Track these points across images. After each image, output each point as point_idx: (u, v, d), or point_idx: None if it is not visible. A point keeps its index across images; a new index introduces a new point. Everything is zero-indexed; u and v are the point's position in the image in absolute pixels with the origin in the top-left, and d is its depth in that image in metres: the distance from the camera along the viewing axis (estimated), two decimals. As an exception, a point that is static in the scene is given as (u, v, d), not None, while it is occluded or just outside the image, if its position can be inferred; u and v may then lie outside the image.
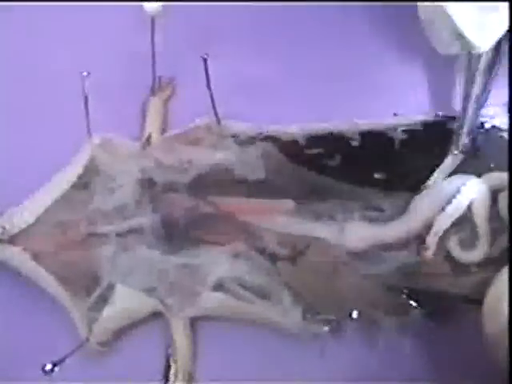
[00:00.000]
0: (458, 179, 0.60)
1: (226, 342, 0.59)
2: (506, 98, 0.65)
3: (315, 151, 0.62)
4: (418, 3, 0.59)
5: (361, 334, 0.58)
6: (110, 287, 0.57)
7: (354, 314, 0.56)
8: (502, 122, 0.65)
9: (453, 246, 0.59)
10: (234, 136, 0.62)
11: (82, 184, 0.60)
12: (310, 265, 0.58)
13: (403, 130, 0.63)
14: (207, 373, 0.58)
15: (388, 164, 0.62)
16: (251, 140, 0.62)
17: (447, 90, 0.65)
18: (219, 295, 0.57)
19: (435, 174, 0.60)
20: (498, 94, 0.65)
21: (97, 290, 0.57)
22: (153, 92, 0.65)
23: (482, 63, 0.60)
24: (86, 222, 0.59)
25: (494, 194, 0.60)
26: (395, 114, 0.64)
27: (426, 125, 0.64)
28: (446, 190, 0.59)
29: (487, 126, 0.64)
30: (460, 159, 0.61)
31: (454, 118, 0.64)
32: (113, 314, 0.57)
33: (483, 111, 0.64)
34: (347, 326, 0.57)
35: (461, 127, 0.61)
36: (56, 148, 0.62)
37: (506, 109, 0.65)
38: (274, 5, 0.66)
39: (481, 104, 0.61)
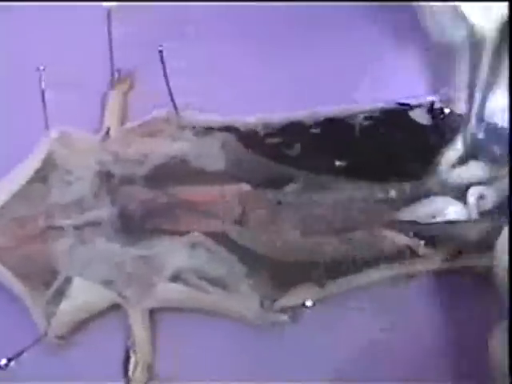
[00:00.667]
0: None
1: (186, 332, 0.58)
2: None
3: (275, 140, 0.62)
4: None
5: (321, 321, 0.58)
6: (68, 280, 0.57)
7: (308, 302, 0.56)
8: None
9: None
10: (193, 127, 0.62)
11: (40, 178, 0.60)
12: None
13: (364, 117, 0.63)
14: (167, 364, 0.58)
15: (349, 151, 0.62)
16: (210, 131, 0.62)
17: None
18: (176, 286, 0.57)
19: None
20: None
21: (55, 284, 0.57)
22: (112, 85, 0.65)
23: (488, 47, 0.59)
24: (44, 216, 0.59)
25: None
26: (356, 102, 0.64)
27: (387, 112, 0.64)
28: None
29: (446, 110, 0.64)
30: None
31: (410, 106, 0.65)
32: (70, 307, 0.57)
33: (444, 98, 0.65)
34: (306, 313, 0.57)
35: (468, 116, 0.60)
36: (13, 143, 0.62)
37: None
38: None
39: (489, 90, 0.60)
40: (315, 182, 0.61)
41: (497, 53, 0.59)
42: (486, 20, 0.56)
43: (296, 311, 0.57)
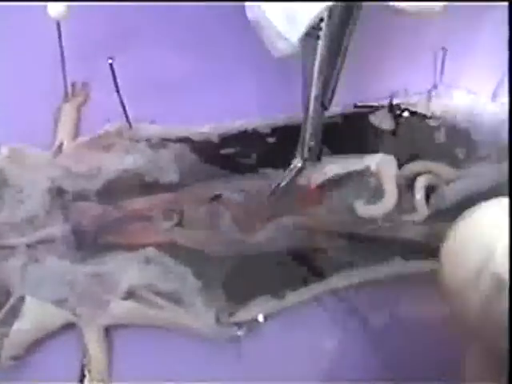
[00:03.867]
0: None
1: (141, 348, 0.58)
2: (429, 86, 0.65)
3: (230, 151, 0.62)
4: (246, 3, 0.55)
5: (278, 334, 0.58)
6: (21, 300, 0.57)
7: (260, 318, 0.56)
8: (424, 109, 0.64)
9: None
10: (147, 140, 0.62)
11: (-10, 197, 0.59)
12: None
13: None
14: (123, 381, 0.57)
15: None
16: (164, 142, 0.62)
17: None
18: (129, 303, 0.56)
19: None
20: (422, 82, 0.65)
21: (7, 304, 0.57)
22: (66, 98, 0.64)
23: (318, 60, 0.55)
24: (-5, 235, 0.58)
25: (413, 178, 0.61)
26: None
27: (345, 117, 0.63)
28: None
29: (405, 114, 0.63)
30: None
31: (372, 107, 0.64)
32: (24, 327, 0.56)
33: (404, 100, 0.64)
34: (262, 327, 0.57)
35: (305, 129, 0.58)
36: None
37: (428, 96, 0.65)
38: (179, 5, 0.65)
39: (324, 105, 0.57)
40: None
41: (328, 68, 0.56)
42: (292, 28, 0.54)
43: (252, 325, 0.56)
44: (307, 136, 0.58)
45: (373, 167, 0.60)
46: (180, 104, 0.64)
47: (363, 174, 0.61)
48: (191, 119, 0.63)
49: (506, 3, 0.60)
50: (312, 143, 0.58)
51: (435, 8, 0.52)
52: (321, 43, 0.55)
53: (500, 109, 0.64)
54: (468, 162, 0.62)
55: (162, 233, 0.59)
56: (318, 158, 0.59)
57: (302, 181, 0.59)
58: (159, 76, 0.65)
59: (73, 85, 0.64)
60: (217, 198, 0.60)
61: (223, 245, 0.58)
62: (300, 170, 0.58)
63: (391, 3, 0.52)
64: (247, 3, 0.55)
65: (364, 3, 0.55)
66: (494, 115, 0.64)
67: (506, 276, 0.42)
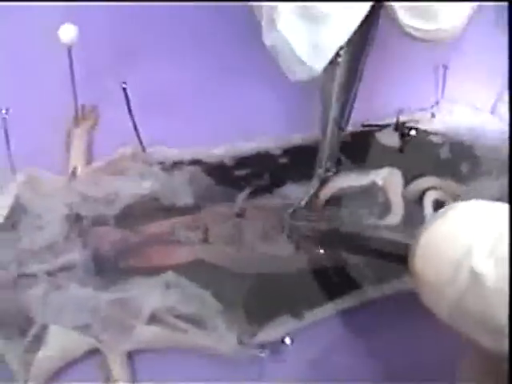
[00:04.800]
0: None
1: (165, 371, 0.58)
2: (432, 103, 0.66)
3: (243, 172, 0.62)
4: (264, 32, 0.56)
5: (300, 354, 0.58)
6: (44, 328, 0.57)
7: (287, 341, 0.57)
8: (429, 127, 0.65)
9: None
10: (160, 163, 0.62)
11: (10, 225, 0.59)
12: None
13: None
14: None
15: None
16: (178, 165, 0.62)
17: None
18: (153, 328, 0.57)
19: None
20: (424, 98, 0.66)
21: (30, 332, 0.57)
22: (76, 122, 0.64)
23: (336, 84, 0.57)
24: (15, 263, 0.58)
25: (422, 193, 0.62)
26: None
27: (353, 135, 0.64)
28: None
29: (412, 133, 0.65)
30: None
31: (379, 126, 0.65)
32: (48, 354, 0.56)
33: (408, 118, 0.65)
34: (284, 349, 0.58)
35: (322, 152, 0.60)
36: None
37: (431, 112, 0.66)
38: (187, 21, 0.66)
39: (341, 127, 0.59)
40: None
41: (345, 90, 0.58)
42: (318, 57, 0.55)
43: (276, 346, 0.57)
44: (325, 157, 0.59)
45: (379, 182, 0.62)
46: (191, 124, 0.64)
47: (371, 189, 0.62)
48: (202, 139, 0.63)
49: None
50: (329, 164, 0.59)
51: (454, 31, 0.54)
52: (340, 68, 0.56)
53: (500, 124, 0.66)
54: (472, 177, 0.64)
55: (186, 252, 0.59)
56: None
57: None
58: (169, 96, 0.65)
59: (82, 108, 0.64)
60: (241, 214, 0.60)
61: (248, 260, 0.59)
62: (318, 191, 0.60)
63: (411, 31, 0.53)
64: (265, 30, 0.55)
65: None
66: (496, 131, 0.65)
67: (484, 271, 0.43)
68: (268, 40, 0.56)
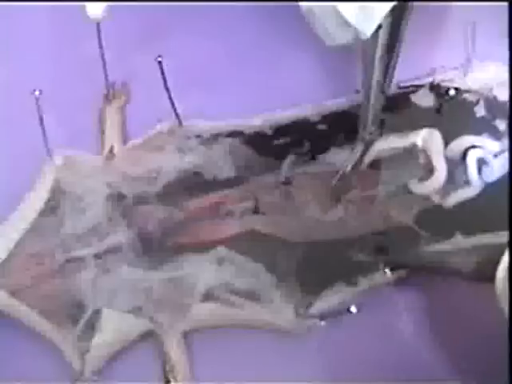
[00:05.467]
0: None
1: (222, 349, 0.57)
2: (463, 61, 0.65)
3: (282, 141, 0.61)
4: None
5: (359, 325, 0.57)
6: (96, 313, 0.55)
7: (353, 309, 0.55)
8: (462, 85, 0.64)
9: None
10: (198, 136, 0.60)
11: (50, 209, 0.57)
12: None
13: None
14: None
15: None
16: (216, 138, 0.60)
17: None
18: (209, 305, 0.56)
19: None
20: (453, 55, 0.65)
21: (83, 318, 0.55)
22: (107, 100, 0.62)
23: (380, 47, 0.57)
24: (60, 249, 0.56)
25: (464, 153, 0.61)
26: (357, 91, 0.63)
27: (390, 98, 0.63)
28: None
29: (451, 92, 0.63)
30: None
31: (415, 87, 0.64)
32: (103, 340, 0.55)
33: (440, 77, 0.64)
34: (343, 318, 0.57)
35: (365, 115, 0.59)
36: (15, 175, 0.59)
37: (463, 70, 0.65)
38: None
39: (384, 90, 0.59)
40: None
41: (388, 52, 0.57)
42: (367, 21, 0.55)
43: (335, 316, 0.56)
44: (369, 121, 0.58)
45: (419, 143, 0.61)
46: (227, 96, 0.63)
47: (411, 151, 0.61)
48: (240, 111, 0.61)
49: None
50: (373, 128, 0.58)
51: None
52: (383, 31, 0.55)
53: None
54: (509, 133, 0.63)
55: (236, 224, 0.58)
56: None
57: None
58: (202, 70, 0.63)
59: (112, 85, 0.62)
60: (288, 182, 0.59)
61: (300, 227, 0.58)
62: (362, 155, 0.58)
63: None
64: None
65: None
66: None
67: None
68: (306, 5, 0.54)
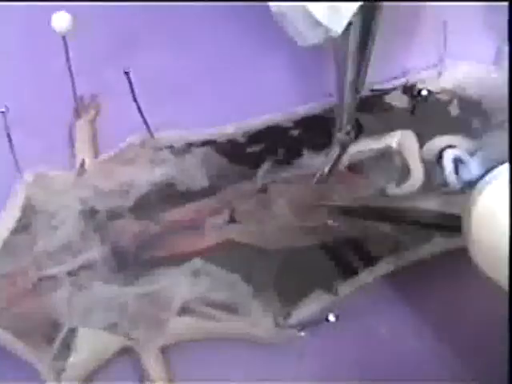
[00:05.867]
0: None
1: (201, 363, 0.56)
2: (436, 61, 0.64)
3: (256, 148, 0.60)
4: None
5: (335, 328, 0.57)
6: (72, 332, 0.54)
7: (331, 317, 0.55)
8: (436, 85, 0.64)
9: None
10: (170, 147, 0.60)
11: (22, 227, 0.56)
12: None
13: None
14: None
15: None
16: (189, 148, 0.60)
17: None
18: (186, 319, 0.55)
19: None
20: (428, 57, 0.65)
21: (58, 337, 0.54)
22: (77, 114, 0.61)
23: (351, 46, 0.56)
24: (34, 267, 0.55)
25: (440, 153, 0.61)
26: (330, 95, 0.62)
27: (364, 100, 0.62)
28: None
29: (424, 93, 0.63)
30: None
31: (388, 90, 0.63)
32: (79, 359, 0.54)
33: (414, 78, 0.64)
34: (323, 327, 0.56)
35: (340, 115, 0.58)
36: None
37: (437, 70, 0.64)
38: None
39: (357, 89, 0.58)
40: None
41: (360, 52, 0.57)
42: (336, 19, 0.54)
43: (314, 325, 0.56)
44: (344, 121, 0.57)
45: (394, 145, 0.60)
46: (198, 106, 0.62)
47: (386, 153, 0.60)
48: (212, 120, 0.61)
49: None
50: (348, 128, 0.57)
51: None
52: (354, 29, 0.55)
53: (504, 75, 0.65)
54: (484, 131, 0.62)
55: (213, 235, 0.57)
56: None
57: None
58: (172, 79, 0.63)
59: (81, 98, 0.61)
60: (264, 189, 0.59)
61: (278, 234, 0.58)
62: (340, 156, 0.58)
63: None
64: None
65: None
66: (500, 82, 0.64)
67: None
68: (276, 6, 0.54)
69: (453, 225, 0.51)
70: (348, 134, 0.58)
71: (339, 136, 0.58)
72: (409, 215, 0.58)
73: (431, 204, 0.59)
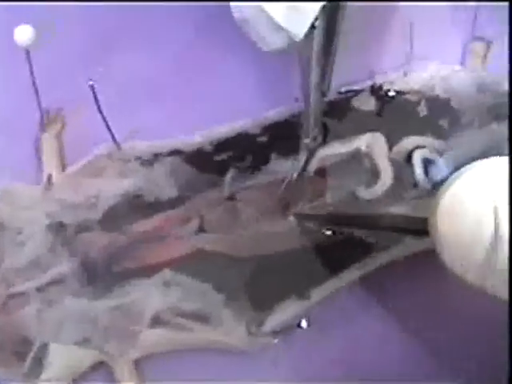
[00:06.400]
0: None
1: (175, 374, 0.56)
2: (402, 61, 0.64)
3: (223, 156, 0.60)
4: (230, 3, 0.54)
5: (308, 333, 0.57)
6: (43, 348, 0.54)
7: (303, 323, 0.54)
8: (403, 86, 0.64)
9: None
10: (137, 157, 0.59)
11: (-11, 244, 0.56)
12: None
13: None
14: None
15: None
16: (157, 158, 0.59)
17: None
18: (158, 331, 0.54)
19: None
20: (394, 58, 0.64)
21: (30, 355, 0.54)
22: (43, 128, 0.60)
23: (315, 49, 0.55)
24: (2, 285, 0.55)
25: (409, 154, 0.61)
26: (297, 100, 0.62)
27: (331, 104, 0.62)
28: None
29: (391, 94, 0.63)
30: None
31: (355, 92, 0.63)
32: (52, 375, 0.53)
33: (381, 79, 0.64)
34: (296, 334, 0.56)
35: (307, 119, 0.58)
36: None
37: (404, 71, 0.64)
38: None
39: (323, 92, 0.57)
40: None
41: (324, 55, 0.56)
42: (298, 23, 0.54)
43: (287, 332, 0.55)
44: (311, 125, 0.57)
45: (363, 148, 0.60)
46: (164, 116, 0.61)
47: (355, 156, 0.60)
48: (178, 129, 0.60)
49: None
50: (316, 131, 0.57)
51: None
52: (318, 32, 0.54)
53: (472, 74, 0.65)
54: (453, 130, 0.62)
55: (182, 245, 0.57)
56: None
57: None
58: (137, 90, 0.62)
59: (47, 112, 0.61)
60: (232, 197, 0.58)
61: (247, 242, 0.57)
62: (308, 161, 0.58)
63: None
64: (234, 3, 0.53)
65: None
66: (468, 80, 0.64)
67: (506, 226, 0.43)
68: (238, 12, 0.53)
69: (424, 228, 0.51)
70: (315, 138, 0.57)
71: (307, 140, 0.58)
72: (381, 222, 0.57)
73: (402, 209, 0.58)
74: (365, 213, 0.58)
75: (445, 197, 0.46)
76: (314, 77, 0.56)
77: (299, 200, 0.59)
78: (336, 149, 0.60)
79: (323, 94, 0.57)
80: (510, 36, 0.59)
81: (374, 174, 0.60)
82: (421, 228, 0.49)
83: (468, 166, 0.47)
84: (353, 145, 0.60)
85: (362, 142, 0.60)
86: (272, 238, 0.58)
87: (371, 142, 0.60)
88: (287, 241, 0.58)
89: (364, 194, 0.60)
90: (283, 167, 0.59)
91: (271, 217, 0.58)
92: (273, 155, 0.60)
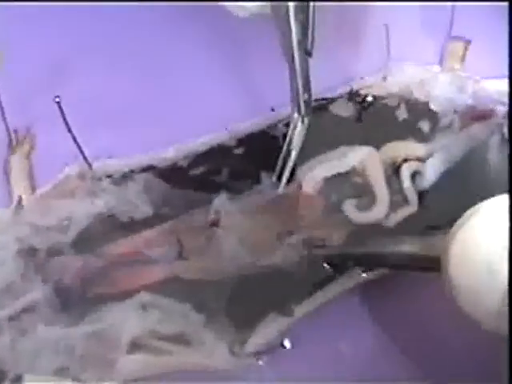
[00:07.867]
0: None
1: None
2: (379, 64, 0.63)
3: (199, 171, 0.58)
4: None
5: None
6: (18, 379, 0.52)
7: (286, 343, 0.53)
8: (382, 90, 0.62)
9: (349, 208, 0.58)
10: (109, 176, 0.57)
11: (-43, 272, 0.54)
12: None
13: (285, 124, 0.59)
14: None
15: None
16: (129, 176, 0.58)
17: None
18: (137, 356, 0.52)
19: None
20: (371, 62, 0.63)
21: (3, 386, 0.52)
22: (11, 149, 0.58)
23: (291, 5, 0.53)
24: (-27, 314, 0.53)
25: (395, 165, 0.60)
26: (273, 110, 0.60)
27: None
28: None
29: (369, 99, 0.61)
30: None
31: (332, 98, 0.62)
32: (27, 408, 0.52)
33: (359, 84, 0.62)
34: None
35: (295, 83, 0.56)
36: None
37: (382, 75, 0.63)
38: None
39: (306, 49, 0.55)
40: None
41: (299, 10, 0.54)
42: None
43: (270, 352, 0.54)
44: (300, 89, 0.55)
45: (358, 166, 0.59)
46: (135, 132, 0.60)
47: (349, 175, 0.59)
48: (150, 145, 0.58)
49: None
50: (306, 95, 0.56)
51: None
52: None
53: (451, 75, 0.64)
54: (434, 134, 0.61)
55: (159, 270, 0.55)
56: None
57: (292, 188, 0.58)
58: (105, 106, 0.60)
59: (15, 132, 0.59)
60: (215, 223, 0.56)
61: (230, 267, 0.55)
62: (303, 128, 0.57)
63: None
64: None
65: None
66: (447, 83, 0.63)
67: None
68: None
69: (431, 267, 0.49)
70: (306, 103, 0.56)
71: (297, 108, 0.56)
72: (382, 261, 0.55)
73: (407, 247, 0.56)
74: (373, 251, 0.56)
75: (456, 240, 0.45)
76: (295, 34, 0.54)
77: (288, 227, 0.57)
78: (327, 168, 0.59)
79: (307, 53, 0.55)
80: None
81: (369, 197, 0.59)
82: (430, 267, 0.48)
83: (477, 206, 0.46)
84: (348, 162, 0.59)
85: (356, 158, 0.59)
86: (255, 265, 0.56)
87: (366, 159, 0.59)
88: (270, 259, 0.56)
89: (357, 217, 0.58)
90: (266, 182, 0.57)
91: (257, 248, 0.56)
92: (252, 169, 0.58)
